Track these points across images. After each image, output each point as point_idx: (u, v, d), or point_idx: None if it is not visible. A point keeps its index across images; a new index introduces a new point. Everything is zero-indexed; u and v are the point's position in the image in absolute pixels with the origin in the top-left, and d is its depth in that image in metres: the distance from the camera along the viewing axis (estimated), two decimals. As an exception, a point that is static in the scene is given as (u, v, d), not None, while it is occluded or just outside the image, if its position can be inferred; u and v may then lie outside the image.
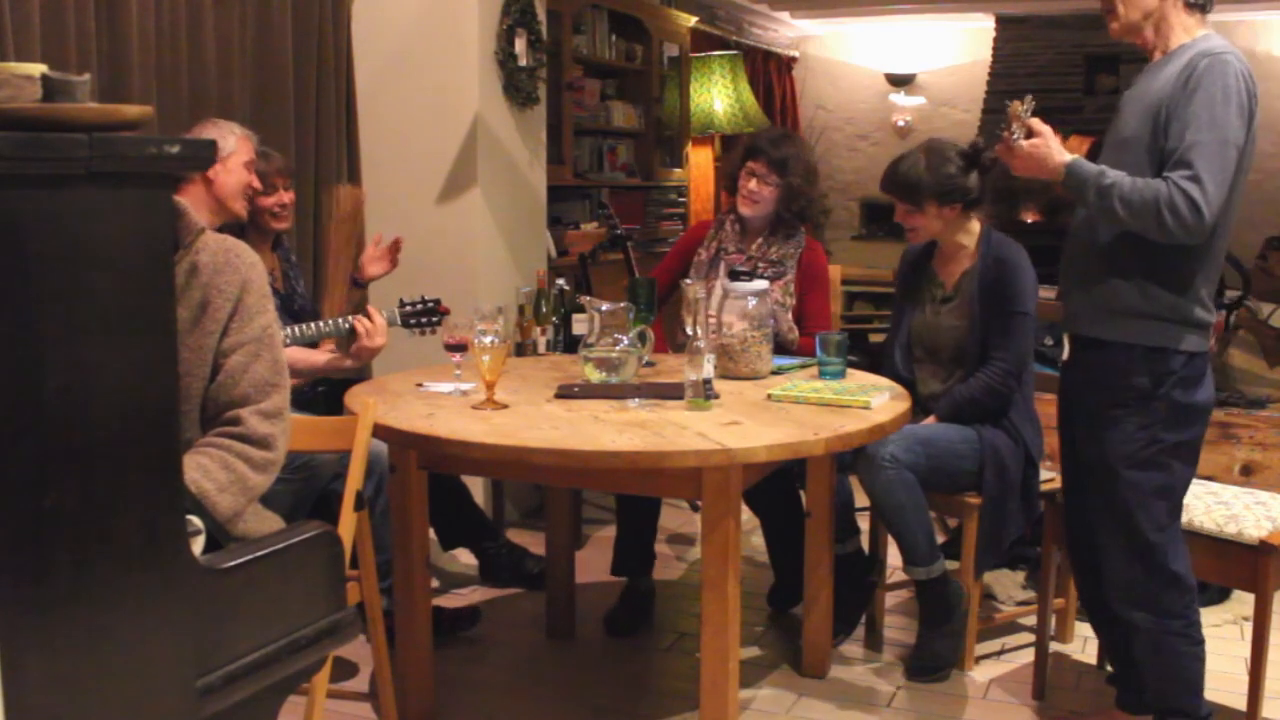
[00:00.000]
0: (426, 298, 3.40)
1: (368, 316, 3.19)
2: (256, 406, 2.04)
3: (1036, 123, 2.51)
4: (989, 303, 3.19)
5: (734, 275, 3.31)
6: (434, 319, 3.39)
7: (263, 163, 3.26)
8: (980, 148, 3.26)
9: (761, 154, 3.61)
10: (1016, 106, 2.51)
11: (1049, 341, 4.50)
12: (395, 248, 3.58)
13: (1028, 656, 3.26)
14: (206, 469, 1.95)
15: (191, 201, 2.74)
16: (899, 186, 3.27)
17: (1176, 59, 2.45)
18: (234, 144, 3.04)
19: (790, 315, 3.58)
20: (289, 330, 3.14)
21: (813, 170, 3.71)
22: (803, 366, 3.32)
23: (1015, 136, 2.50)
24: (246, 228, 3.29)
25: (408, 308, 3.37)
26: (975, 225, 3.29)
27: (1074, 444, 2.66)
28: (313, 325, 3.22)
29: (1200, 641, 2.57)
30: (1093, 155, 2.61)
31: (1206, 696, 3.00)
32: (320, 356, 3.23)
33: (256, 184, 3.13)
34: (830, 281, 3.76)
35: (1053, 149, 2.47)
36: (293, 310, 3.39)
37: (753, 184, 3.62)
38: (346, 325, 3.21)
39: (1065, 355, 2.63)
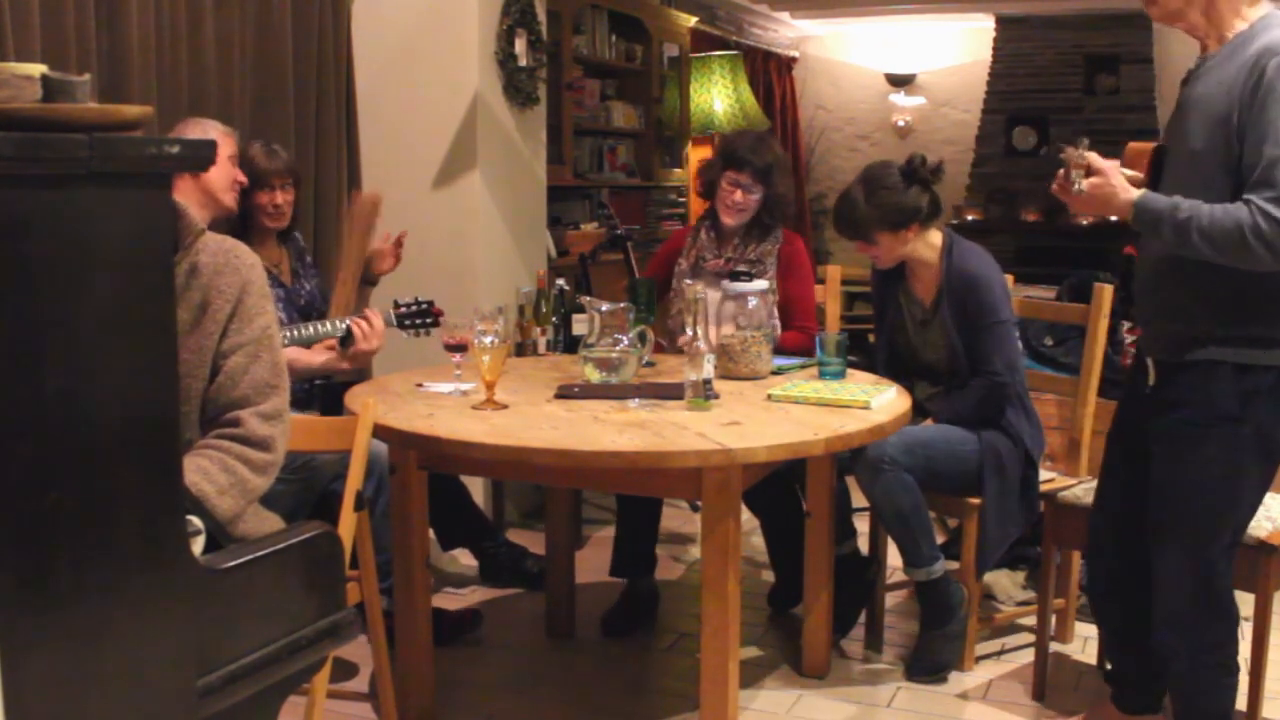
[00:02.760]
0: (421, 299, 3.40)
1: (365, 319, 3.22)
2: (256, 408, 2.04)
3: (1095, 159, 2.32)
4: (964, 321, 3.15)
5: (734, 275, 3.32)
6: (429, 320, 3.39)
7: (265, 160, 3.27)
8: (918, 162, 3.16)
9: (746, 164, 3.56)
10: (1072, 153, 2.32)
11: (1049, 341, 4.50)
12: (399, 243, 3.59)
13: (1028, 656, 3.26)
14: (206, 471, 1.95)
15: (180, 195, 2.73)
16: (846, 227, 3.22)
17: (1237, 54, 2.21)
18: (218, 139, 3.04)
19: (775, 311, 3.58)
20: (286, 331, 3.14)
21: (789, 171, 3.69)
22: (803, 367, 3.32)
23: (1076, 185, 2.32)
24: (246, 225, 3.30)
25: (402, 309, 3.38)
26: (937, 237, 3.22)
27: (1140, 465, 2.48)
28: (310, 326, 3.23)
29: (1235, 671, 2.47)
30: (1156, 164, 2.43)
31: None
32: (318, 357, 3.24)
33: (242, 178, 3.13)
34: (811, 270, 3.72)
35: (1116, 187, 2.29)
36: (299, 306, 3.39)
37: (738, 195, 3.57)
38: (343, 327, 3.23)
39: (1151, 380, 2.43)
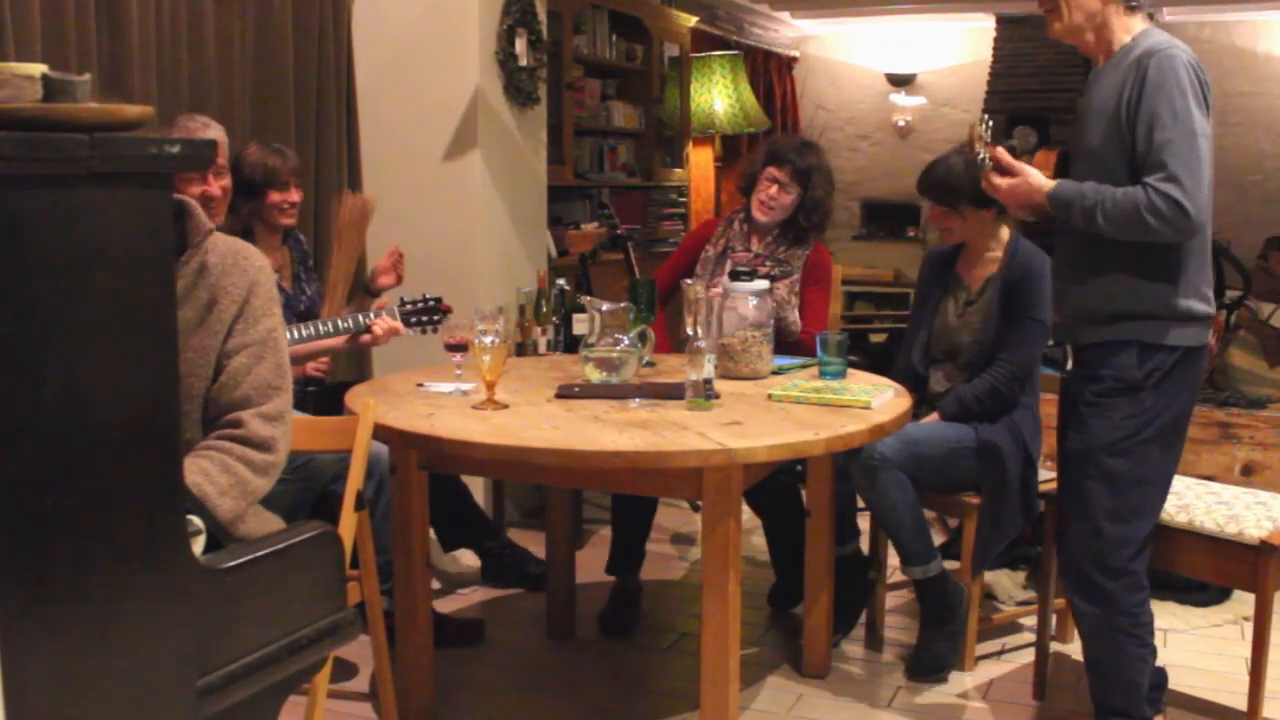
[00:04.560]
0: (428, 296, 3.41)
1: (380, 324, 3.30)
2: (258, 409, 2.04)
3: (1009, 160, 2.56)
4: (1007, 306, 3.19)
5: (735, 275, 3.32)
6: (435, 317, 3.40)
7: (277, 159, 3.29)
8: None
9: (786, 162, 3.59)
10: (975, 128, 2.59)
11: (1049, 342, 4.49)
12: (397, 260, 3.59)
13: (1028, 656, 3.26)
14: (208, 472, 1.95)
15: None
16: (936, 189, 3.27)
17: (1122, 61, 2.45)
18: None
19: (795, 311, 3.61)
20: (291, 331, 3.15)
21: (831, 183, 3.70)
22: (803, 366, 3.32)
23: (981, 157, 2.57)
24: (250, 225, 3.30)
25: (408, 306, 3.39)
26: (1005, 232, 3.29)
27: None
28: (311, 326, 3.24)
29: (1148, 645, 2.54)
30: (1062, 168, 2.63)
31: (1207, 697, 3.02)
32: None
33: (214, 191, 3.06)
34: (830, 283, 3.76)
35: (1033, 184, 2.53)
36: (298, 311, 3.40)
37: (773, 190, 3.60)
38: (345, 325, 3.25)
39: (1069, 366, 2.61)
